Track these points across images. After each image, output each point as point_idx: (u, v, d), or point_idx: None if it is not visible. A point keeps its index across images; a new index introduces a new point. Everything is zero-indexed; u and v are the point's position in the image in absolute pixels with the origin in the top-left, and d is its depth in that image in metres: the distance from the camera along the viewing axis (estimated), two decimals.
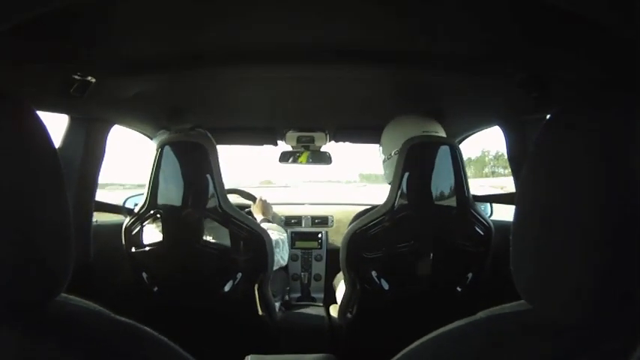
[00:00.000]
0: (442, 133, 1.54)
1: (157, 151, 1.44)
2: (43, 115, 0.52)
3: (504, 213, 2.15)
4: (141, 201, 1.50)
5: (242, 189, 2.20)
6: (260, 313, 1.60)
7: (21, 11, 0.56)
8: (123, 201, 2.05)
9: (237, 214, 1.48)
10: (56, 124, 1.54)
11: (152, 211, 1.47)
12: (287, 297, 2.44)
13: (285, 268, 2.49)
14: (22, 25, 0.56)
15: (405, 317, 1.46)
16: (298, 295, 2.54)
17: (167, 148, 1.44)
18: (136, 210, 1.51)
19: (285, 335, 1.85)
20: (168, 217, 1.47)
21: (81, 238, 1.64)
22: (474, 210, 1.47)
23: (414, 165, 1.41)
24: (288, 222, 2.64)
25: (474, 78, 1.29)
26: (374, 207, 1.51)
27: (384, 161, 1.61)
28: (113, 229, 1.64)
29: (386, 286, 1.49)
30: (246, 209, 1.96)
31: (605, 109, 0.47)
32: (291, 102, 1.80)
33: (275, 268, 1.62)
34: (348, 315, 1.64)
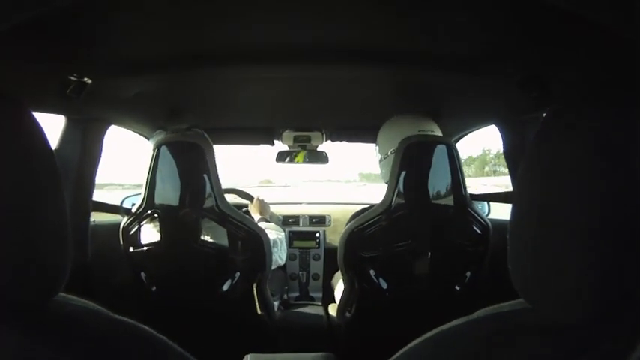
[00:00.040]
0: (438, 133, 1.54)
1: (154, 151, 1.43)
2: (39, 115, 0.51)
3: (501, 212, 2.16)
4: (138, 201, 1.49)
5: (240, 189, 2.20)
6: (258, 312, 1.60)
7: (20, 11, 0.56)
8: (120, 201, 2.05)
9: (235, 213, 1.48)
10: (53, 125, 1.54)
11: (149, 211, 1.46)
12: (285, 296, 2.45)
13: (283, 268, 2.50)
14: (21, 25, 0.55)
15: (404, 316, 1.46)
16: (297, 294, 2.55)
17: (164, 149, 1.43)
18: (133, 210, 1.51)
19: (283, 334, 1.85)
20: (166, 217, 1.47)
21: (79, 238, 1.64)
22: (471, 209, 1.47)
23: (410, 164, 1.41)
24: (285, 221, 2.64)
25: (474, 78, 1.29)
26: (371, 206, 1.52)
27: (380, 161, 1.61)
28: (111, 229, 1.64)
29: (384, 285, 1.49)
30: (244, 209, 1.96)
31: (604, 109, 0.47)
32: (288, 102, 1.80)
33: (273, 267, 1.62)
34: (347, 314, 1.64)
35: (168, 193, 1.46)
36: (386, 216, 1.44)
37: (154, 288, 1.52)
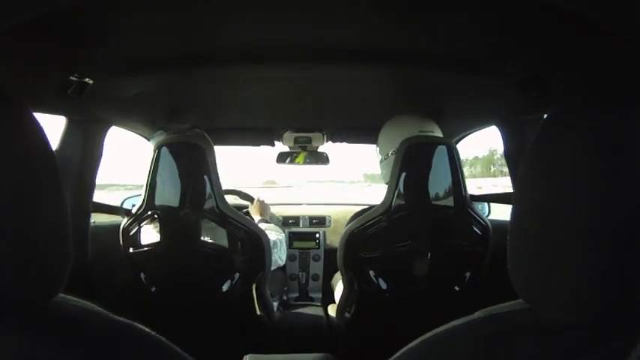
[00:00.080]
0: (438, 133, 1.54)
1: (155, 152, 1.43)
2: (40, 116, 0.51)
3: (500, 212, 2.16)
4: (138, 202, 1.49)
5: (240, 189, 2.19)
6: (258, 312, 1.60)
7: (20, 11, 0.56)
8: (121, 202, 2.05)
9: (235, 214, 1.47)
10: (54, 126, 1.54)
11: (150, 212, 1.46)
12: (285, 297, 2.45)
13: (283, 268, 2.50)
14: (21, 25, 0.55)
15: (403, 317, 1.46)
16: (296, 294, 2.55)
17: (164, 149, 1.43)
18: (133, 211, 1.51)
19: (283, 335, 1.85)
20: (166, 217, 1.47)
21: (79, 239, 1.64)
22: (471, 209, 1.47)
23: (410, 165, 1.41)
24: (285, 222, 2.64)
25: (474, 78, 1.29)
26: (371, 207, 1.51)
27: (381, 161, 1.61)
28: (111, 229, 1.64)
29: (384, 285, 1.49)
30: (244, 210, 1.96)
31: (604, 109, 0.47)
32: (288, 102, 1.80)
33: (273, 268, 1.62)
34: (346, 314, 1.64)
35: (169, 194, 1.46)
36: (386, 217, 1.44)
37: (153, 289, 1.52)
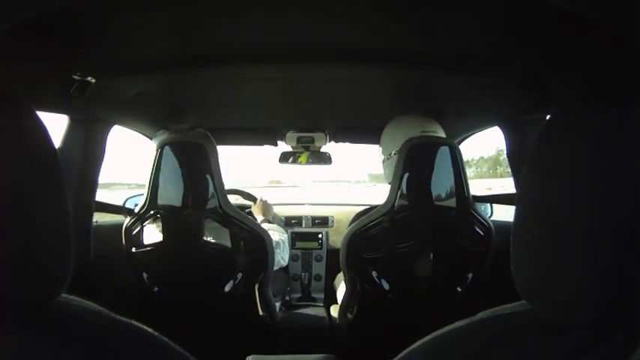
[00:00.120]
0: (441, 134, 1.54)
1: (157, 151, 1.44)
2: (43, 115, 0.52)
3: (504, 213, 2.16)
4: (141, 201, 1.50)
5: (243, 189, 2.20)
6: (260, 313, 1.60)
7: (21, 11, 0.56)
8: (123, 201, 2.05)
9: (237, 214, 1.48)
10: (56, 125, 1.55)
11: (152, 212, 1.47)
12: (287, 297, 2.45)
13: (285, 269, 2.50)
14: (22, 25, 0.56)
15: (406, 317, 1.46)
16: (299, 295, 2.55)
17: (167, 149, 1.44)
18: (136, 210, 1.51)
19: (285, 335, 1.85)
20: (169, 217, 1.47)
21: (81, 239, 1.64)
22: (473, 210, 1.47)
23: (413, 165, 1.41)
24: (288, 222, 2.64)
25: (474, 78, 1.29)
26: (374, 207, 1.51)
27: (383, 161, 1.61)
28: (113, 229, 1.64)
29: (386, 286, 1.49)
30: (247, 210, 1.96)
31: (604, 109, 0.47)
32: (291, 102, 1.80)
33: (275, 268, 1.62)
34: (349, 315, 1.64)
35: (171, 194, 1.46)
36: (388, 217, 1.43)
37: (156, 288, 1.53)
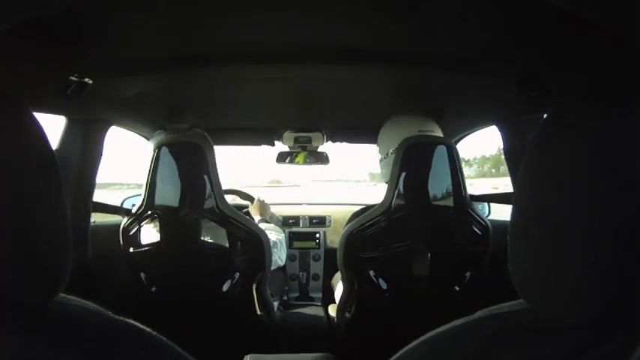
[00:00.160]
0: (438, 133, 1.54)
1: (155, 151, 1.43)
2: (40, 116, 0.51)
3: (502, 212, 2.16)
4: (138, 202, 1.49)
5: (240, 189, 2.19)
6: (258, 312, 1.60)
7: (21, 11, 0.56)
8: (121, 202, 2.05)
9: (235, 214, 1.48)
10: (54, 125, 1.54)
11: (150, 212, 1.46)
12: (285, 297, 2.45)
13: (283, 268, 2.50)
14: (22, 25, 0.55)
15: (403, 317, 1.46)
16: (297, 294, 2.55)
17: (164, 149, 1.43)
18: (133, 210, 1.51)
19: (283, 335, 1.85)
20: (166, 217, 1.47)
21: (79, 239, 1.64)
22: (471, 209, 1.47)
23: (410, 165, 1.41)
24: (286, 222, 2.64)
25: (474, 78, 1.29)
26: (371, 207, 1.51)
27: (380, 161, 1.61)
28: (111, 229, 1.64)
29: (384, 285, 1.49)
30: (244, 210, 1.96)
31: (604, 109, 0.47)
32: (288, 102, 1.80)
33: (273, 268, 1.62)
34: (347, 314, 1.64)
35: (169, 194, 1.46)
36: (386, 216, 1.44)
37: (153, 288, 1.52)
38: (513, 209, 0.53)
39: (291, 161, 2.48)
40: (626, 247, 0.45)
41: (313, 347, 1.42)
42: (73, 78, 1.19)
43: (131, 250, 1.51)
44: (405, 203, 1.42)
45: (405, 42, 1.11)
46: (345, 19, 0.97)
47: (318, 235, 2.63)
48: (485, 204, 2.25)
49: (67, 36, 0.96)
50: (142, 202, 1.47)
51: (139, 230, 1.48)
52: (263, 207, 2.01)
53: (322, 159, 2.47)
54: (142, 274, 1.53)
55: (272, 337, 1.70)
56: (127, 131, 1.95)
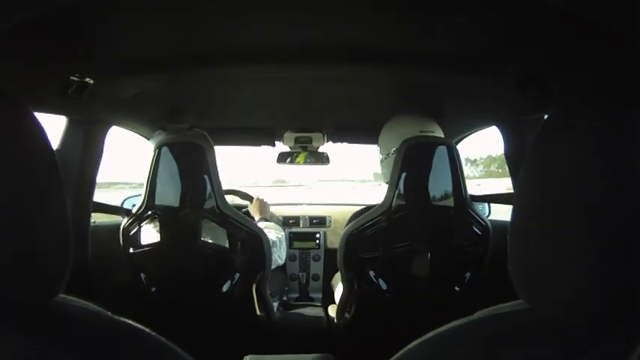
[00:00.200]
0: (439, 133, 1.54)
1: (155, 151, 1.43)
2: (40, 116, 0.51)
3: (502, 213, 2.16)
4: (139, 202, 1.49)
5: (239, 189, 2.19)
6: (258, 313, 1.60)
7: (21, 11, 0.56)
8: (121, 202, 2.05)
9: (235, 214, 1.47)
10: (54, 125, 1.54)
11: (150, 212, 1.46)
12: (285, 297, 2.45)
13: (283, 269, 2.50)
14: (22, 25, 0.55)
15: (403, 317, 1.46)
16: (296, 295, 2.55)
17: (165, 149, 1.43)
18: (133, 211, 1.51)
19: (283, 335, 1.85)
20: (166, 217, 1.47)
21: (79, 239, 1.63)
22: (471, 210, 1.47)
23: (411, 165, 1.41)
24: (286, 222, 2.64)
25: (474, 78, 1.29)
26: (371, 207, 1.51)
27: (381, 161, 1.61)
28: (111, 229, 1.64)
29: (384, 286, 1.49)
30: (244, 209, 1.96)
31: (604, 109, 0.47)
32: (288, 102, 1.80)
33: (273, 267, 1.62)
34: (346, 315, 1.64)
35: (169, 194, 1.46)
36: (386, 217, 1.43)
37: (153, 289, 1.52)
38: (514, 209, 0.53)
39: (292, 161, 2.48)
40: (626, 247, 0.45)
41: (313, 348, 1.42)
42: (74, 78, 1.19)
43: (131, 250, 1.51)
44: (406, 203, 1.42)
45: (405, 42, 1.11)
46: (345, 19, 0.97)
47: (318, 236, 2.62)
48: (486, 204, 2.25)
49: (67, 36, 0.96)
50: (142, 202, 1.47)
51: (139, 230, 1.48)
52: (262, 206, 2.01)
53: (323, 159, 2.47)
54: (142, 275, 1.53)
55: (272, 337, 1.70)
56: (128, 132, 1.95)
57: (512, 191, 1.68)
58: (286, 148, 2.44)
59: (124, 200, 2.09)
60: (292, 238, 2.60)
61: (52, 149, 0.52)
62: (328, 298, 2.22)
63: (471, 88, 1.42)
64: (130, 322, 0.57)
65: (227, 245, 1.48)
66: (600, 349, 0.47)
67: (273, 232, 1.72)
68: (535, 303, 0.52)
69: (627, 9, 0.52)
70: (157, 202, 1.46)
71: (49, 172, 0.51)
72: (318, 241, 2.62)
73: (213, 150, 1.45)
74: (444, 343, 0.58)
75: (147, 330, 0.57)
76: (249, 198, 2.07)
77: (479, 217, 1.47)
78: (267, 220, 1.90)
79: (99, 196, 1.74)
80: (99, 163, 1.68)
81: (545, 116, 0.51)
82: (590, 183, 0.46)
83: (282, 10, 0.92)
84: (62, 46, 1.01)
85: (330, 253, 2.55)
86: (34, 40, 0.88)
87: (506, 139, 1.73)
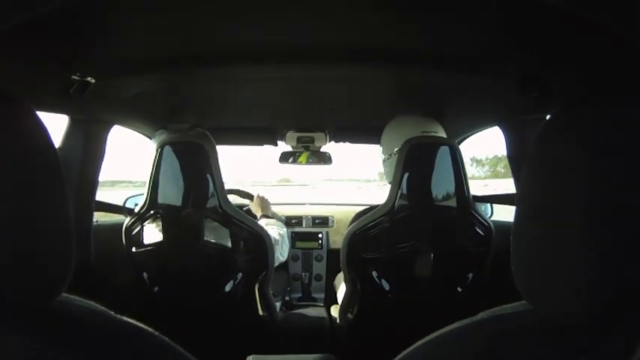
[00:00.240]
0: (442, 134, 1.54)
1: (157, 151, 1.44)
2: (43, 115, 0.52)
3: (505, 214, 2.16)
4: (141, 201, 1.50)
5: (240, 188, 2.20)
6: (261, 313, 1.60)
7: (21, 11, 0.56)
8: (123, 201, 2.06)
9: (237, 214, 1.48)
10: (57, 125, 1.55)
11: (152, 211, 1.47)
12: (288, 297, 2.45)
13: (285, 268, 2.50)
14: (22, 25, 0.56)
15: (406, 318, 1.46)
16: (299, 295, 2.55)
17: (167, 149, 1.44)
18: (136, 210, 1.51)
19: (285, 335, 1.85)
20: (169, 217, 1.47)
21: (81, 238, 1.64)
22: (474, 210, 1.47)
23: (413, 165, 1.41)
24: (288, 222, 2.64)
25: (474, 78, 1.28)
26: (374, 207, 1.51)
27: (384, 161, 1.61)
28: (114, 229, 1.64)
29: (386, 286, 1.49)
30: (245, 208, 1.96)
31: (604, 109, 0.47)
32: (291, 102, 1.80)
33: (275, 264, 1.62)
34: (349, 315, 1.64)
35: (171, 193, 1.46)
36: (388, 217, 1.43)
37: (156, 288, 1.53)
38: (516, 210, 0.53)
39: (294, 161, 2.48)
40: (626, 247, 0.45)
41: (315, 348, 1.42)
42: (76, 77, 1.19)
43: (134, 249, 1.51)
44: (408, 204, 1.42)
45: (405, 42, 1.11)
46: (345, 19, 0.97)
47: (320, 236, 2.63)
48: (488, 205, 2.24)
49: (67, 36, 0.96)
50: (145, 201, 1.47)
51: (141, 230, 1.49)
52: (264, 203, 2.01)
53: (325, 159, 2.47)
54: (145, 274, 1.53)
55: (274, 337, 1.70)
56: (132, 131, 1.96)
57: (514, 192, 1.68)
58: (289, 148, 2.45)
59: (127, 199, 2.10)
60: (295, 238, 2.60)
61: (54, 149, 0.52)
62: (331, 299, 2.22)
63: (471, 89, 1.42)
64: (133, 321, 0.57)
65: (230, 245, 1.49)
66: (600, 349, 0.47)
67: (275, 229, 1.72)
68: (537, 303, 0.52)
69: (627, 9, 0.52)
70: (160, 201, 1.46)
71: (52, 172, 0.51)
72: (320, 241, 2.62)
73: (215, 149, 1.45)
74: (446, 343, 0.58)
75: (149, 329, 0.57)
76: (250, 196, 2.07)
77: (481, 217, 1.47)
78: (268, 217, 1.90)
79: (102, 194, 1.74)
80: (101, 162, 1.69)
81: (548, 117, 0.51)
82: (590, 183, 0.46)
83: (282, 10, 0.92)
84: (62, 46, 1.02)
85: (332, 253, 2.54)
86: (34, 40, 0.89)
87: (507, 139, 1.72)
